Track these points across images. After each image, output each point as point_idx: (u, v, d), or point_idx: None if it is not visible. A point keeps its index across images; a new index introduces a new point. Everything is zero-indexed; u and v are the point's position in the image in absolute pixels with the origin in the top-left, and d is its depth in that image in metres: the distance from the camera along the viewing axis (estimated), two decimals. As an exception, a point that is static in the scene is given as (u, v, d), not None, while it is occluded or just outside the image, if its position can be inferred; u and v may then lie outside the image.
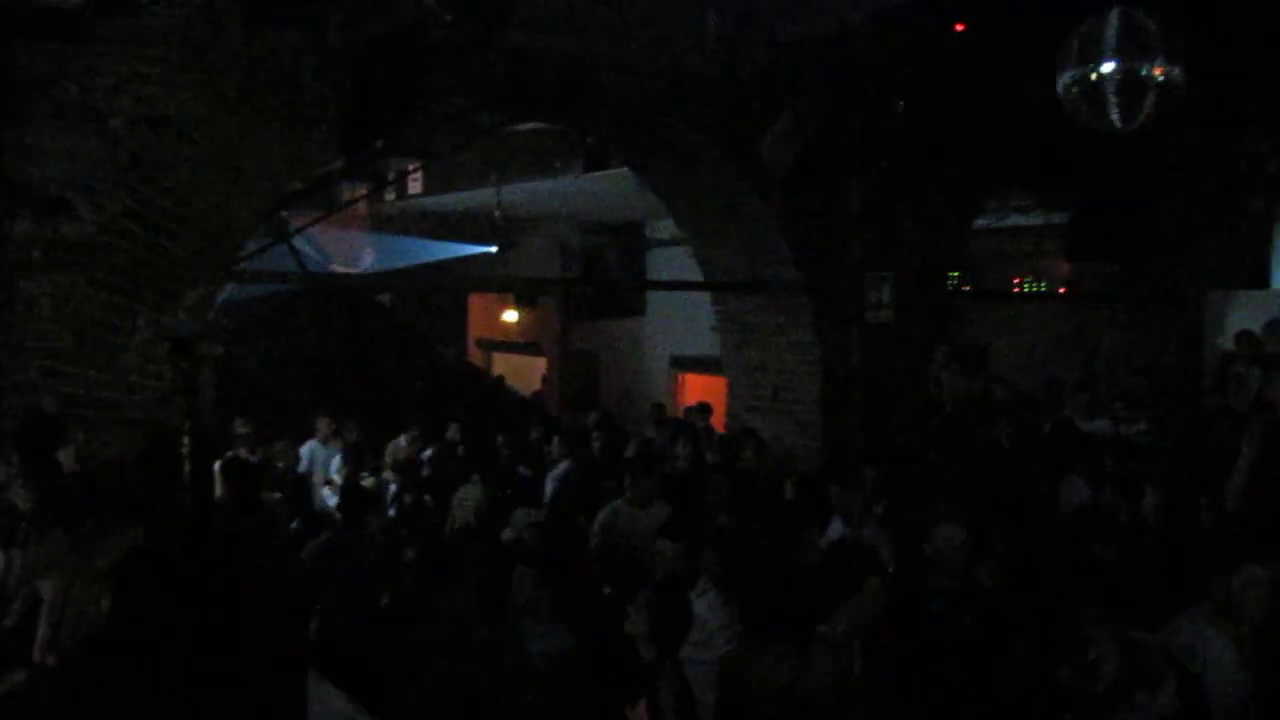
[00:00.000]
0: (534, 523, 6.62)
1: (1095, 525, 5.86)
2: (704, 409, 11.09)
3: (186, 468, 5.45)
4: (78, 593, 2.41)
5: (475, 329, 19.32)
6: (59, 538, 3.80)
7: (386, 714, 4.32)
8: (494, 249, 15.51)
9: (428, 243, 15.69)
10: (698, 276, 10.09)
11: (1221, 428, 8.17)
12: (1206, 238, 11.14)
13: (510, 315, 18.85)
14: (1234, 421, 7.99)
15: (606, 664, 4.37)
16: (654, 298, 16.05)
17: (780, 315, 9.17)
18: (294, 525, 7.77)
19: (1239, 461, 6.24)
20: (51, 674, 2.28)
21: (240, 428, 9.71)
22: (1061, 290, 12.80)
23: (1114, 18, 5.24)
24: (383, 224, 16.31)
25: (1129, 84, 5.30)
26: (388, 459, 10.02)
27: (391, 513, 8.56)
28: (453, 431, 10.36)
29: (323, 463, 9.90)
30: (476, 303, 19.13)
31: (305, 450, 10.00)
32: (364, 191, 11.94)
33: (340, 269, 15.14)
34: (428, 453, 10.07)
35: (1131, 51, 5.24)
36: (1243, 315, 10.82)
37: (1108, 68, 5.27)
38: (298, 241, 9.10)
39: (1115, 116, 5.37)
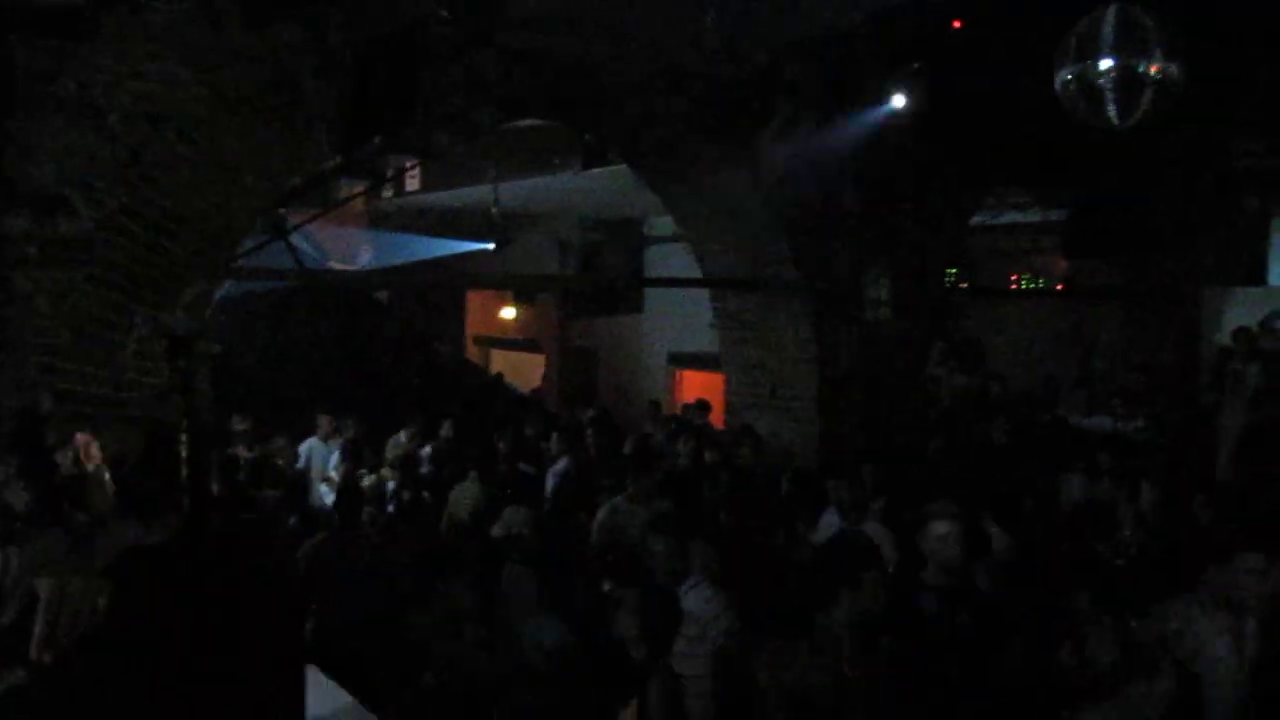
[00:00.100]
0: (530, 520, 6.63)
1: (1093, 521, 5.88)
2: (703, 406, 11.10)
3: (184, 465, 5.44)
4: (75, 591, 2.41)
5: (473, 326, 19.31)
6: (56, 536, 3.80)
7: (385, 711, 4.33)
8: (492, 246, 15.49)
9: (426, 240, 15.67)
10: (696, 273, 10.09)
11: (1217, 423, 8.20)
12: (1203, 235, 11.15)
13: (508, 312, 18.84)
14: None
15: (603, 662, 4.38)
16: (652, 294, 16.05)
17: (779, 313, 9.18)
18: (292, 523, 7.76)
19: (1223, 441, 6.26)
20: (48, 672, 2.28)
21: (239, 425, 9.71)
22: (1059, 287, 12.82)
23: (1111, 15, 5.25)
24: (381, 221, 16.29)
25: (1126, 81, 5.31)
26: (388, 456, 10.02)
27: (390, 509, 8.56)
28: (446, 428, 10.36)
29: (322, 459, 9.89)
30: (475, 300, 19.12)
31: (304, 447, 10.00)
32: (362, 188, 11.91)
33: (338, 266, 15.12)
34: (426, 449, 10.07)
35: (1129, 49, 5.25)
36: (1239, 312, 10.83)
37: (1105, 65, 5.28)
38: (295, 238, 9.08)
39: (1113, 113, 5.38)
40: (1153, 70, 5.27)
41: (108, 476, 4.80)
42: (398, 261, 15.44)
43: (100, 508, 4.43)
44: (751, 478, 7.99)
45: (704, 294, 10.23)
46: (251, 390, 10.72)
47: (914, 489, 6.93)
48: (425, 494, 8.83)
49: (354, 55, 6.33)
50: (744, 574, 5.50)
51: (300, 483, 9.50)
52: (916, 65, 7.56)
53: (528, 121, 9.05)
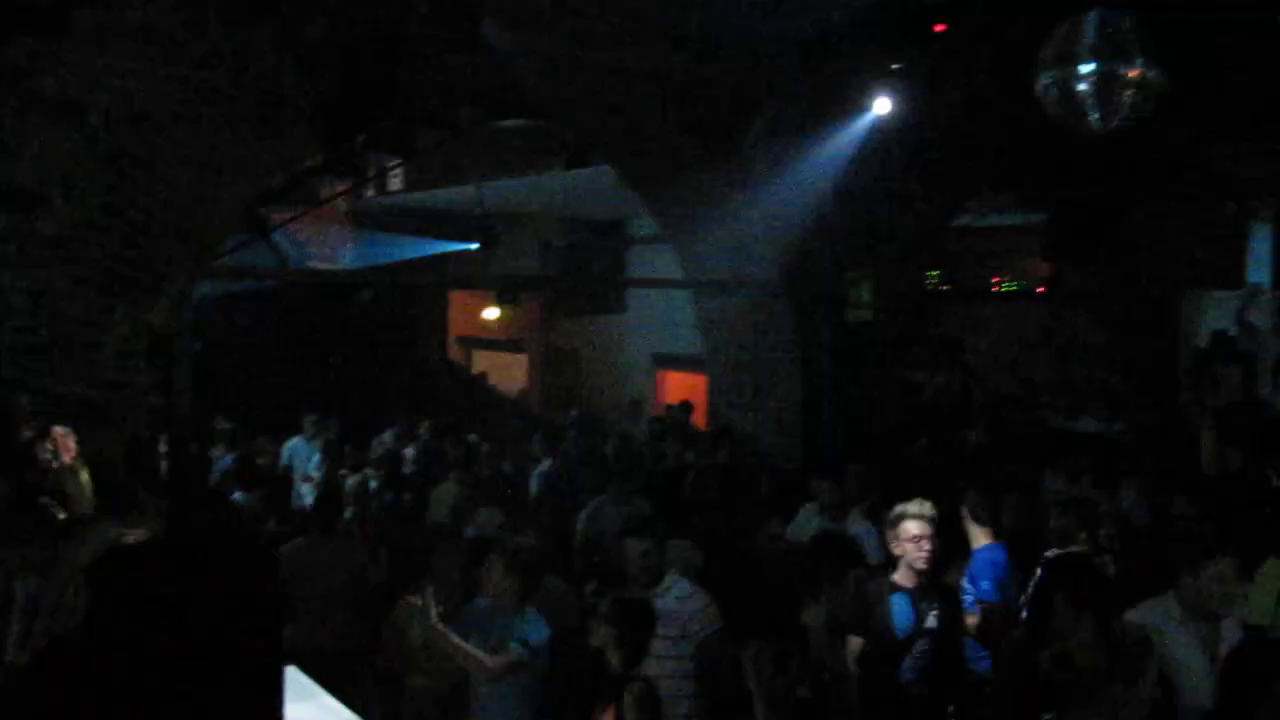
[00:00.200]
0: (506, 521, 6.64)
1: (1075, 520, 5.89)
2: (686, 407, 11.12)
3: (164, 465, 5.42)
4: (52, 591, 2.40)
5: (456, 326, 19.25)
6: (34, 535, 3.77)
7: (367, 712, 4.32)
8: (475, 246, 15.46)
9: (409, 239, 15.62)
10: (679, 274, 10.10)
11: (1197, 426, 8.25)
12: (1182, 238, 11.23)
13: (491, 312, 18.78)
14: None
15: (584, 660, 4.38)
16: (635, 295, 16.05)
17: (761, 313, 9.20)
18: (271, 524, 7.73)
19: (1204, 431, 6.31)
20: (24, 672, 2.27)
21: (222, 424, 9.66)
22: (1039, 289, 12.88)
23: (1092, 19, 5.28)
24: (363, 220, 16.23)
25: (1107, 85, 5.34)
26: (373, 455, 10.00)
27: (373, 509, 8.54)
28: (425, 429, 10.35)
29: (304, 459, 9.86)
30: (457, 300, 19.06)
31: (288, 446, 9.96)
32: (344, 188, 11.87)
33: (320, 265, 15.05)
34: (409, 450, 10.05)
35: (1109, 53, 5.28)
36: (1218, 315, 10.92)
37: (1086, 69, 5.31)
38: (278, 238, 9.04)
39: (1093, 117, 5.41)
40: (1132, 75, 5.30)
41: (85, 474, 4.77)
42: (380, 261, 15.39)
43: (78, 500, 4.39)
44: (732, 477, 8.01)
45: (687, 295, 10.24)
46: (235, 390, 10.67)
47: (897, 489, 6.96)
48: (406, 494, 8.81)
49: (334, 53, 6.30)
50: (723, 573, 5.51)
51: (283, 482, 9.47)
52: (897, 66, 7.58)
53: (510, 121, 9.05)
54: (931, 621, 4.73)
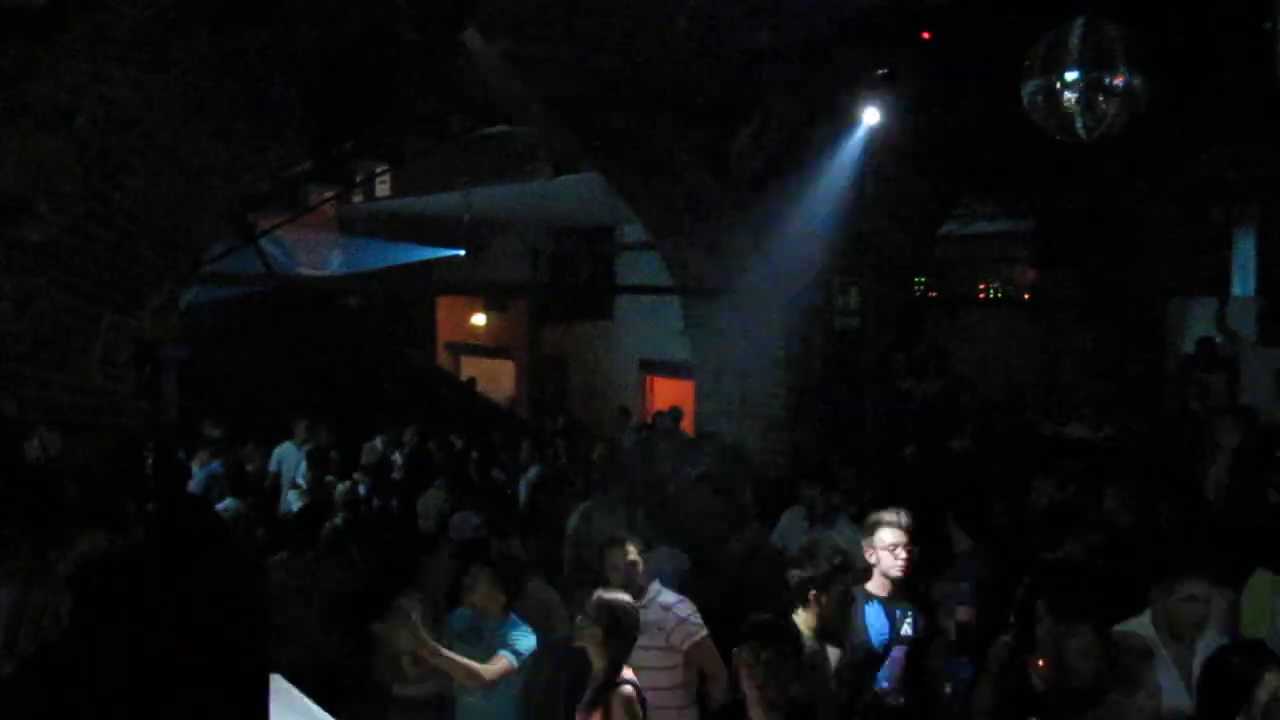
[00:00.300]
0: (484, 525, 6.65)
1: (1063, 526, 5.90)
2: (675, 414, 11.13)
3: (150, 472, 5.40)
4: (36, 601, 2.38)
5: (444, 332, 19.24)
6: (17, 543, 3.75)
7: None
8: (463, 252, 15.45)
9: (396, 246, 15.62)
10: (667, 280, 10.10)
11: (1184, 431, 8.30)
12: (1168, 245, 11.30)
13: (479, 319, 18.80)
14: (1196, 425, 8.12)
15: (571, 666, 4.38)
16: (623, 301, 16.06)
17: (748, 320, 9.20)
18: (259, 534, 7.71)
19: (1219, 458, 6.32)
20: (9, 682, 2.26)
21: (211, 431, 9.64)
22: (1027, 296, 12.94)
23: (1077, 27, 5.30)
24: (351, 227, 16.21)
25: (1093, 93, 5.36)
26: (364, 462, 9.99)
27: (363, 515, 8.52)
28: (409, 435, 10.34)
29: (293, 465, 9.84)
30: (445, 306, 19.05)
31: (277, 452, 9.94)
32: (332, 194, 11.84)
33: (308, 272, 15.03)
34: (396, 456, 10.04)
35: (1096, 61, 5.31)
36: (1203, 322, 10.99)
37: (1072, 77, 5.33)
38: (265, 244, 9.02)
39: (1079, 125, 5.44)
40: (1119, 82, 5.33)
41: (73, 482, 4.75)
42: (368, 267, 15.37)
43: (63, 500, 4.37)
44: (718, 484, 8.01)
45: (675, 301, 10.24)
46: (223, 397, 10.65)
47: (886, 495, 6.97)
48: (394, 501, 8.80)
49: (323, 60, 6.29)
50: (710, 580, 5.51)
51: (271, 489, 9.45)
52: (884, 73, 7.60)
53: (498, 128, 9.05)
54: (907, 630, 4.73)
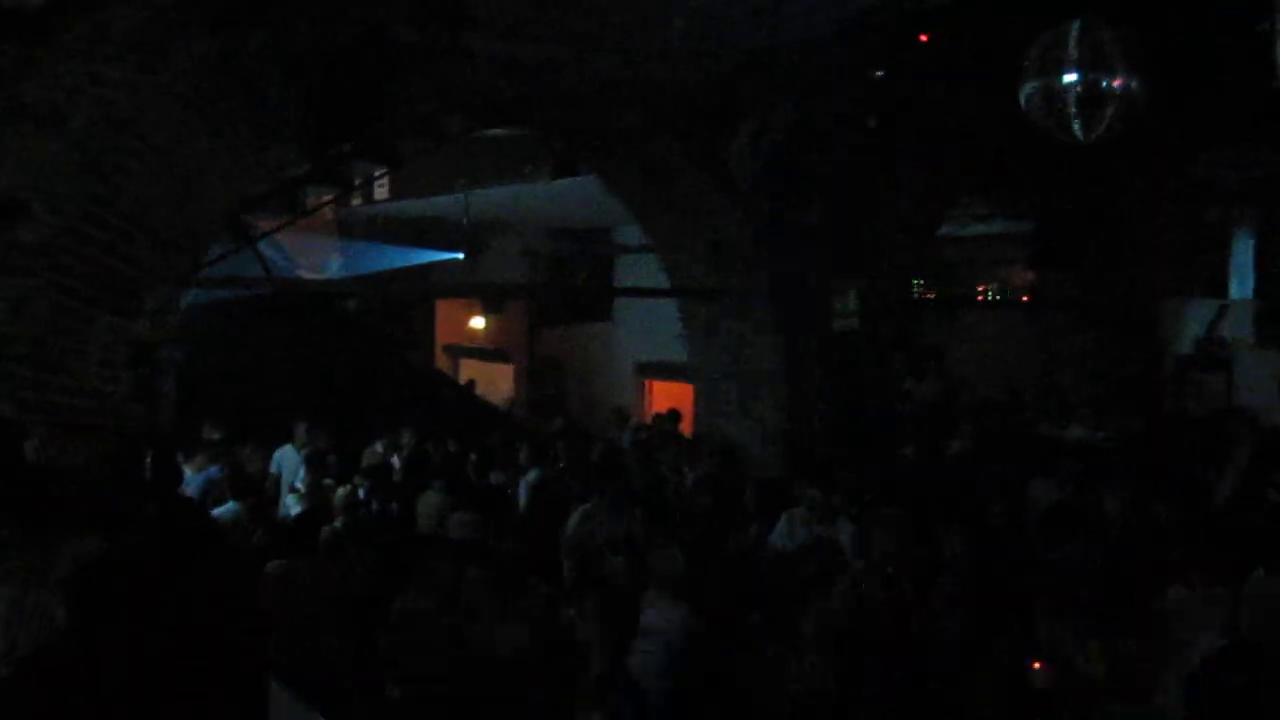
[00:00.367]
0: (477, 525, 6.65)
1: (1063, 528, 5.89)
2: (674, 416, 11.13)
3: (148, 474, 5.38)
4: (34, 602, 2.37)
5: (443, 335, 19.22)
6: (17, 543, 3.74)
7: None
8: (461, 255, 15.45)
9: (395, 248, 15.62)
10: (665, 283, 10.10)
11: (1181, 432, 8.30)
12: (1165, 247, 11.32)
13: (477, 321, 18.78)
14: (1193, 426, 8.13)
15: (567, 665, 4.37)
16: (621, 304, 16.06)
17: (746, 322, 9.20)
18: (259, 535, 7.69)
19: (1229, 471, 6.33)
20: (7, 684, 2.25)
21: (210, 433, 9.61)
22: (1025, 297, 12.95)
23: (1075, 29, 5.31)
24: (350, 229, 16.21)
25: (1090, 95, 5.37)
26: (365, 464, 9.96)
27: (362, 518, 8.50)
28: (407, 438, 10.32)
29: (292, 468, 9.82)
30: (444, 309, 19.03)
31: (278, 455, 9.92)
32: (330, 197, 11.84)
33: (307, 275, 15.02)
34: (395, 459, 10.01)
35: (1093, 63, 5.31)
36: (1199, 323, 11.00)
37: (1069, 79, 5.34)
38: (264, 247, 9.02)
39: (1076, 127, 5.44)
40: (1116, 84, 5.33)
41: (71, 483, 4.74)
42: (367, 270, 15.37)
43: (62, 501, 4.37)
44: (718, 486, 8.02)
45: (672, 303, 10.23)
46: (221, 399, 10.62)
47: (885, 496, 6.98)
48: (394, 504, 8.77)
49: (320, 59, 6.28)
50: (708, 583, 5.51)
51: (271, 492, 9.43)
52: (881, 74, 7.61)
53: (496, 130, 9.04)
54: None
